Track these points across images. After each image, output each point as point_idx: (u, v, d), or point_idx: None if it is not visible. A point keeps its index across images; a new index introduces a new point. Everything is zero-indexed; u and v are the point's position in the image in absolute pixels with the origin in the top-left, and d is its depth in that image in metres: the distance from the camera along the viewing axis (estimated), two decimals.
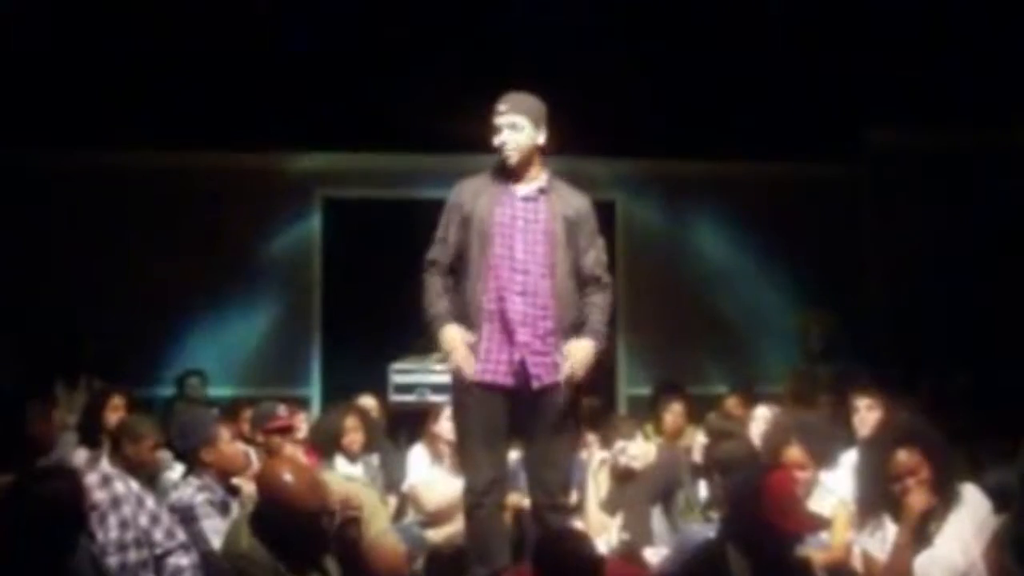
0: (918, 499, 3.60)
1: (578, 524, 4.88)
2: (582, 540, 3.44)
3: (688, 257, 9.21)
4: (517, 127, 4.08)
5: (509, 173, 4.13)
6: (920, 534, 3.60)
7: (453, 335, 4.05)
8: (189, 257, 8.59)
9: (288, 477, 3.41)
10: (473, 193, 4.13)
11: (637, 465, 5.24)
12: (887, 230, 8.59)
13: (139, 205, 8.66)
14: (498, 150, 4.11)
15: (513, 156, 4.09)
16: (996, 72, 7.32)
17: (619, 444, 5.32)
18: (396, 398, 6.69)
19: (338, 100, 7.96)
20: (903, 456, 3.64)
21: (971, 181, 8.17)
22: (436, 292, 4.13)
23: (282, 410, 5.52)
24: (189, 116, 8.00)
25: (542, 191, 4.14)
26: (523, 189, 4.13)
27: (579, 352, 4.05)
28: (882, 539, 3.70)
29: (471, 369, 4.00)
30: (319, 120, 8.13)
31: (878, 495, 3.70)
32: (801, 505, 3.60)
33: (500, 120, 4.10)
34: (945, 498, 3.62)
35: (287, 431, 5.40)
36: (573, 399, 4.10)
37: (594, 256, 4.18)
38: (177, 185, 8.71)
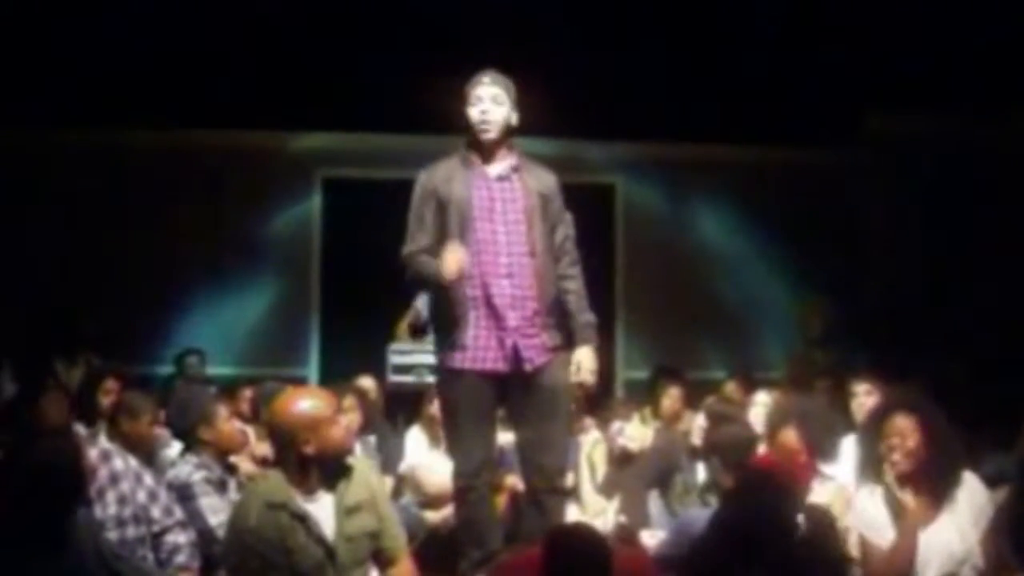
0: (898, 463, 3.63)
1: (573, 507, 4.91)
2: (594, 534, 3.43)
3: (688, 241, 9.20)
4: (498, 100, 4.06)
5: (480, 154, 4.10)
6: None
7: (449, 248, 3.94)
8: (189, 236, 8.58)
9: (306, 402, 3.46)
10: (445, 178, 4.07)
11: (634, 446, 5.26)
12: (887, 216, 8.58)
13: (139, 184, 8.64)
14: (475, 124, 4.05)
15: (492, 131, 4.05)
16: (997, 58, 7.30)
17: (616, 425, 5.33)
18: (394, 379, 6.69)
19: (338, 80, 7.93)
20: (899, 420, 3.67)
21: (971, 168, 8.15)
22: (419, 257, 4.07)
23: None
24: (188, 95, 7.97)
25: (515, 169, 4.11)
26: (496, 169, 4.10)
27: (587, 361, 4.08)
28: (876, 500, 3.71)
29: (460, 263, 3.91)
30: (319, 100, 8.10)
31: (875, 456, 3.72)
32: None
33: (482, 91, 4.05)
34: (943, 481, 3.63)
35: None
36: (567, 381, 4.11)
37: (562, 232, 4.19)
38: (177, 164, 8.68)
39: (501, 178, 4.09)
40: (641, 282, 9.02)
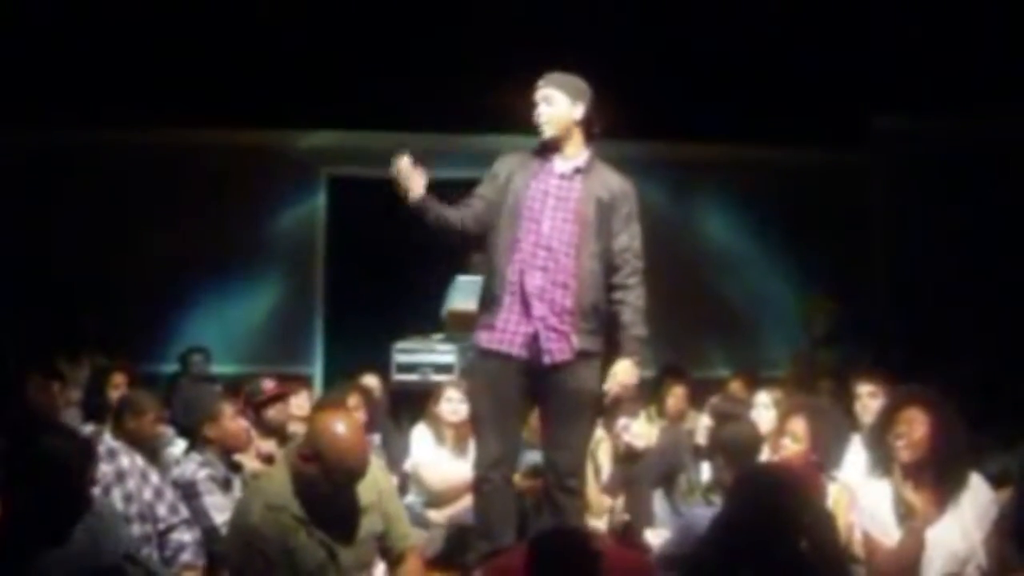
0: (902, 453, 3.64)
1: None
2: (580, 538, 3.41)
3: (693, 240, 9.18)
4: (550, 100, 4.15)
5: (550, 149, 4.18)
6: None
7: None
8: (193, 234, 8.58)
9: (340, 428, 3.38)
10: (517, 164, 4.21)
11: (639, 443, 5.24)
12: (893, 217, 8.57)
13: (144, 183, 8.64)
14: (537, 125, 4.17)
15: (547, 129, 4.15)
16: (1004, 59, 7.29)
17: (621, 422, 5.32)
18: (399, 377, 6.70)
19: (343, 78, 7.93)
20: (910, 412, 3.69)
21: (978, 169, 8.13)
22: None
23: (267, 383, 5.53)
24: (193, 93, 7.97)
25: (578, 170, 4.17)
26: (561, 166, 4.18)
27: (623, 373, 4.11)
28: (882, 497, 3.72)
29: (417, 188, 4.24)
30: (324, 98, 8.11)
31: (884, 451, 3.74)
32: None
33: (537, 94, 4.17)
34: (947, 479, 3.63)
35: (276, 400, 5.41)
36: (591, 386, 4.12)
37: (624, 240, 4.23)
38: (181, 162, 8.69)
39: (563, 176, 4.17)
40: (646, 280, 8.99)
